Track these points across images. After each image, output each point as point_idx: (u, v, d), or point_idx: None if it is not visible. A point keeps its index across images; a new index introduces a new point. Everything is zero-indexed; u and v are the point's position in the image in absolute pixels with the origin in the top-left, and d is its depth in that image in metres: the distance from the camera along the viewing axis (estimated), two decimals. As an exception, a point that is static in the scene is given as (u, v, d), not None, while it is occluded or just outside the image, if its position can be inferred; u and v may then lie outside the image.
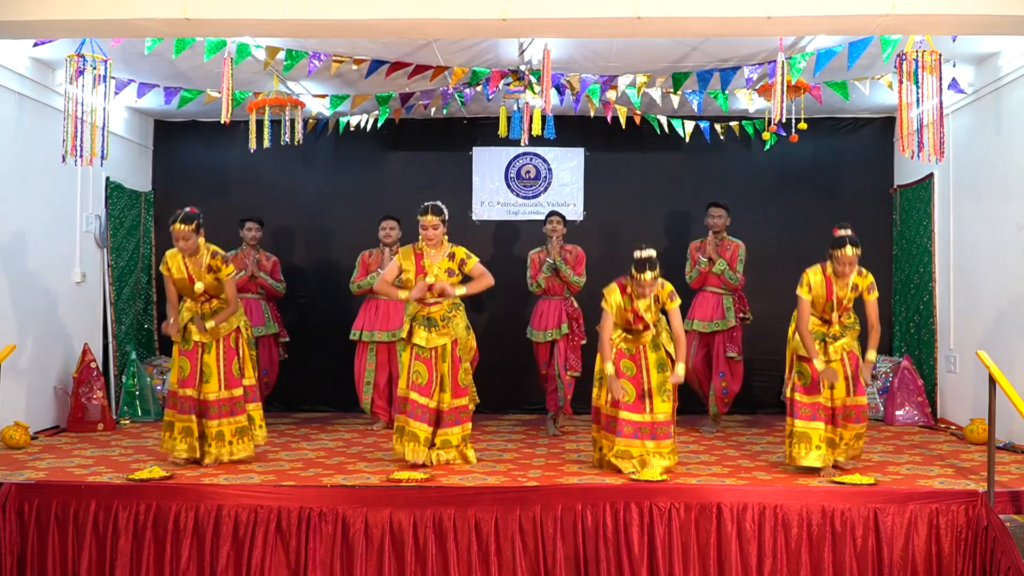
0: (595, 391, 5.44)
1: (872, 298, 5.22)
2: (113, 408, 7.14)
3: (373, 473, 5.16)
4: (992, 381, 4.73)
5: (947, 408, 7.15)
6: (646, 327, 5.28)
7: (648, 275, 5.05)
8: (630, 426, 5.16)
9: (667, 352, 5.31)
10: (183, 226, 5.30)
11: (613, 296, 5.24)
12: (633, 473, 5.04)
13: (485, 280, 5.48)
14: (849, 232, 5.11)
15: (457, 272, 5.46)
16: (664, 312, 5.34)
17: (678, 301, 5.27)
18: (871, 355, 5.22)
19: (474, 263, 5.48)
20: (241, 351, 5.51)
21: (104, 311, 7.38)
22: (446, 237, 5.55)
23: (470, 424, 5.60)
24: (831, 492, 4.69)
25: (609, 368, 5.19)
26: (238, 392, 5.46)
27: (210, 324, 5.36)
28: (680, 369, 5.21)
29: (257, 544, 4.53)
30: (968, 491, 4.65)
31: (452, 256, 5.47)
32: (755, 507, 4.57)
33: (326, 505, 4.59)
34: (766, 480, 5.03)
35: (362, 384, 6.93)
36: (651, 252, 5.10)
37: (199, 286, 5.39)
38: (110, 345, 7.36)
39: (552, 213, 6.80)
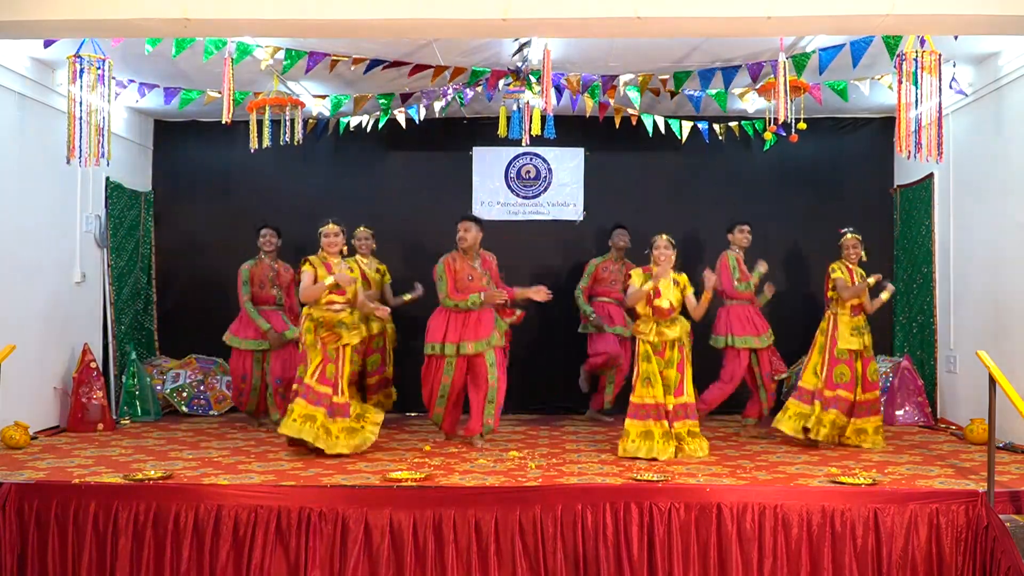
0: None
1: None
2: (113, 408, 7.15)
3: (373, 473, 5.16)
4: (992, 381, 4.73)
5: (947, 408, 7.15)
6: (670, 310, 5.78)
7: (663, 237, 5.86)
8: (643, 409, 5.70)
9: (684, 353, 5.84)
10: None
11: (637, 273, 5.92)
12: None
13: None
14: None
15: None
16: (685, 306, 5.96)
17: (692, 290, 5.96)
18: None
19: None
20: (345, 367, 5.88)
21: (104, 311, 7.39)
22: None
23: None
24: (831, 492, 4.69)
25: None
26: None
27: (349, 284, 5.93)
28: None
29: (257, 544, 4.53)
30: (968, 491, 4.64)
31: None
32: (755, 507, 4.57)
33: (326, 505, 4.59)
34: (766, 480, 5.03)
35: (435, 398, 6.21)
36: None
37: (329, 280, 5.80)
38: (110, 345, 7.36)
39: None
